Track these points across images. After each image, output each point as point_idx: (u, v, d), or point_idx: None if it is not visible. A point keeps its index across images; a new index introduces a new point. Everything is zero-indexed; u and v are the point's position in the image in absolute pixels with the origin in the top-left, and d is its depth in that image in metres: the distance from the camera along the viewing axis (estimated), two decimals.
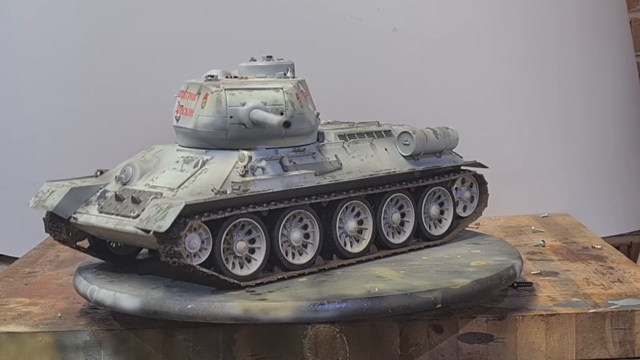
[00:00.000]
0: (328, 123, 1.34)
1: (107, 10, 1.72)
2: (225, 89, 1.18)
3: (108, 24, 1.73)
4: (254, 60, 1.26)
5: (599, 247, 1.49)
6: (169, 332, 1.13)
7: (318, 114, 1.24)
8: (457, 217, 1.36)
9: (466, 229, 1.39)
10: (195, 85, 1.20)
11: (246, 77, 1.24)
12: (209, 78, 1.22)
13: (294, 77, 1.23)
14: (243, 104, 1.17)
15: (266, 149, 1.18)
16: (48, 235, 1.23)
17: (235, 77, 1.25)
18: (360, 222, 1.24)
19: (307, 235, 1.19)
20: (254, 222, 1.13)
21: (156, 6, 1.72)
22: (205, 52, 1.71)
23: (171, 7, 1.72)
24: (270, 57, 1.26)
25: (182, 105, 1.21)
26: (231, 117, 1.17)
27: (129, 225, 1.11)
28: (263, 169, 1.15)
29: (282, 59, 1.26)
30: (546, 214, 1.75)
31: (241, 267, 1.13)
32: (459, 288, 1.12)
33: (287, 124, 1.13)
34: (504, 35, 1.76)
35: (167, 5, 1.72)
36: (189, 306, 1.07)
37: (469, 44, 1.75)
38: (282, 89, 1.19)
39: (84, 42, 1.73)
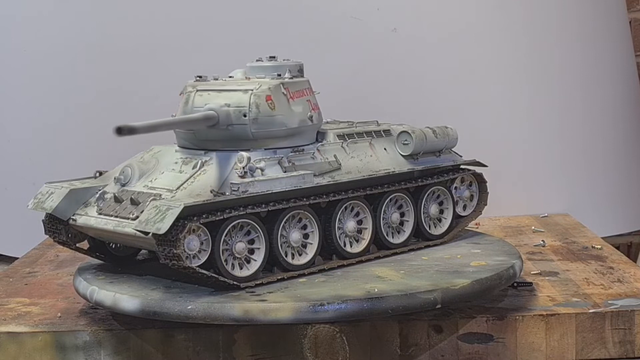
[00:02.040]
0: (327, 123, 1.34)
1: (107, 11, 1.72)
2: (197, 90, 1.19)
3: (108, 24, 1.73)
4: (260, 60, 1.26)
5: (599, 247, 1.49)
6: (168, 332, 1.13)
7: (311, 116, 1.23)
8: (457, 217, 1.36)
9: (466, 228, 1.39)
10: (185, 86, 1.22)
11: (248, 78, 1.24)
12: (198, 78, 1.22)
13: (291, 78, 1.22)
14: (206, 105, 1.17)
15: (265, 149, 1.18)
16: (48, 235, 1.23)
17: (247, 78, 1.25)
18: (359, 222, 1.24)
19: (306, 236, 1.19)
20: (253, 223, 1.13)
21: (156, 7, 1.72)
22: (206, 52, 1.71)
23: (171, 8, 1.72)
24: (274, 57, 1.26)
25: (179, 106, 1.22)
26: None
27: (128, 227, 1.11)
28: (262, 170, 1.15)
29: (288, 59, 1.26)
30: (546, 214, 1.75)
31: (240, 268, 1.13)
32: (459, 288, 1.12)
33: (118, 130, 1.08)
34: (504, 35, 1.76)
35: (167, 6, 1.72)
36: (189, 307, 1.07)
37: (469, 44, 1.75)
38: (252, 90, 1.18)
39: (84, 43, 1.73)
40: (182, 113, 1.19)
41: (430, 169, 1.31)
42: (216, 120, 1.16)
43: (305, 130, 1.23)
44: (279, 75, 1.22)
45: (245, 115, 1.17)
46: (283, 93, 1.20)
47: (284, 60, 1.26)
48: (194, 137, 1.20)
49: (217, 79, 1.24)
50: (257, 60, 1.26)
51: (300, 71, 1.26)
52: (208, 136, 1.18)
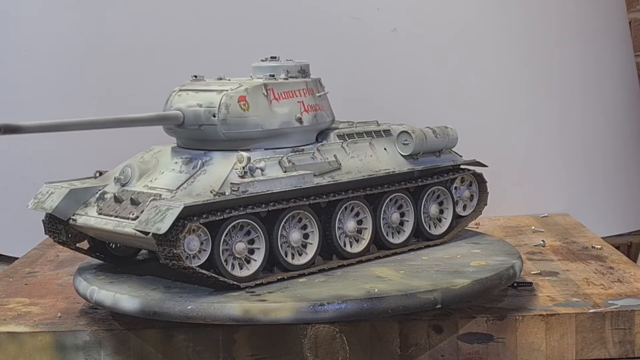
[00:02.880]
0: None
1: (107, 11, 1.72)
2: (179, 90, 1.20)
3: (108, 24, 1.73)
4: (264, 61, 1.26)
5: (599, 247, 1.49)
6: (168, 332, 1.13)
7: (299, 118, 1.23)
8: (457, 217, 1.36)
9: (466, 228, 1.39)
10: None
11: (252, 78, 1.24)
12: (194, 78, 1.23)
13: (286, 79, 1.22)
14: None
15: (265, 149, 1.18)
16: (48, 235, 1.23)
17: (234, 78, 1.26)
18: (359, 222, 1.24)
19: (306, 236, 1.19)
20: (253, 222, 1.13)
21: (156, 7, 1.72)
22: (206, 53, 1.71)
23: (171, 8, 1.72)
24: (275, 57, 1.26)
25: None
26: None
27: (127, 227, 1.11)
28: (262, 169, 1.15)
29: (291, 60, 1.26)
30: (546, 214, 1.75)
31: (240, 268, 1.13)
32: (459, 288, 1.12)
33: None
34: (504, 35, 1.76)
35: (167, 6, 1.72)
36: (189, 307, 1.07)
37: (469, 43, 1.75)
38: (226, 91, 1.18)
39: (84, 42, 1.73)
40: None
41: (430, 169, 1.31)
42: (180, 120, 1.17)
43: (290, 132, 1.21)
44: (272, 75, 1.22)
45: (214, 116, 1.17)
46: (264, 94, 1.20)
47: (286, 60, 1.26)
48: (175, 135, 1.21)
49: (221, 79, 1.24)
50: (261, 61, 1.26)
51: (302, 72, 1.25)
52: (184, 135, 1.19)
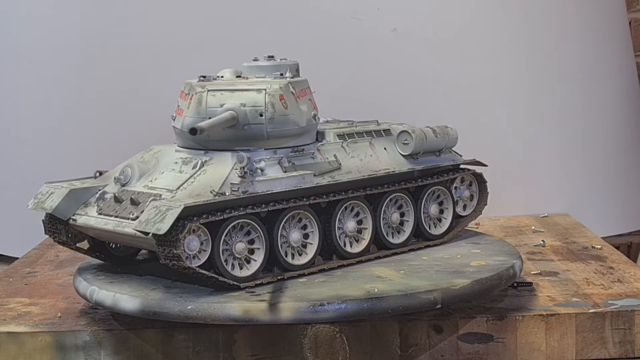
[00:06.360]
0: (327, 122, 1.34)
1: (107, 11, 1.72)
2: (208, 90, 1.18)
3: (108, 24, 1.73)
4: (257, 60, 1.26)
5: (599, 247, 1.49)
6: (169, 332, 1.13)
7: (315, 115, 1.23)
8: (457, 216, 1.36)
9: (466, 228, 1.39)
10: (188, 85, 1.21)
11: (247, 78, 1.24)
12: (202, 78, 1.22)
13: (292, 77, 1.22)
14: (222, 105, 1.17)
15: (265, 149, 1.18)
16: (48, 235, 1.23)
17: (238, 77, 1.25)
18: (359, 222, 1.24)
19: (306, 236, 1.19)
20: (253, 223, 1.13)
21: (156, 7, 1.72)
22: (206, 52, 1.71)
23: (171, 8, 1.72)
24: (272, 56, 1.26)
25: (178, 105, 1.22)
26: (209, 118, 1.17)
27: (128, 227, 1.11)
28: (262, 170, 1.15)
29: (285, 59, 1.26)
30: (546, 214, 1.75)
31: (240, 268, 1.13)
32: (459, 288, 1.12)
33: (192, 131, 1.11)
34: (504, 35, 1.76)
35: (167, 6, 1.72)
36: (189, 307, 1.07)
37: (469, 43, 1.75)
38: (265, 90, 1.18)
39: (85, 43, 1.73)
40: (196, 113, 1.19)
41: (430, 169, 1.31)
42: (237, 120, 1.16)
43: (311, 129, 1.23)
44: (282, 74, 1.22)
45: (261, 115, 1.17)
46: (292, 92, 1.20)
47: (281, 59, 1.26)
48: (182, 135, 1.20)
49: (215, 79, 1.24)
50: (253, 60, 1.26)
51: (297, 71, 1.26)
52: (222, 136, 1.17)
